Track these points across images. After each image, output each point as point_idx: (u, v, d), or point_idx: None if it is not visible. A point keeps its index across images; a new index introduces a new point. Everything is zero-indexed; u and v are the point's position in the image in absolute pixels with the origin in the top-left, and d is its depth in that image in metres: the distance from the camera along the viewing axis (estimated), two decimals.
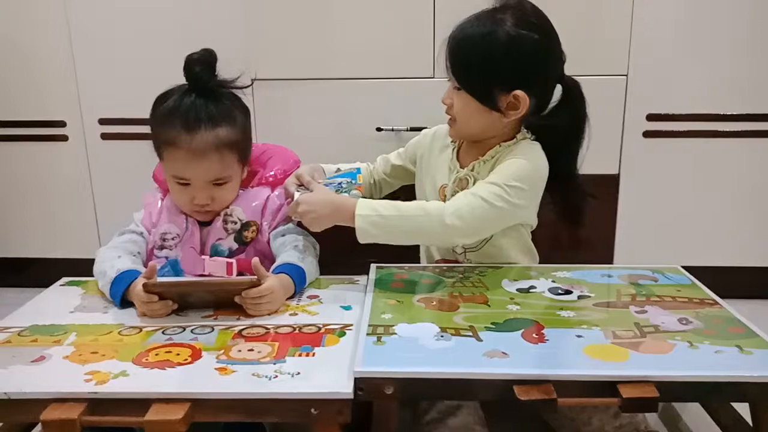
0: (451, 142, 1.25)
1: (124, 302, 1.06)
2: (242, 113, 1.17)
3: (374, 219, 1.06)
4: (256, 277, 1.01)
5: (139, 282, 1.02)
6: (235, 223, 1.17)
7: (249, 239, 1.18)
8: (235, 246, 1.17)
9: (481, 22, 1.10)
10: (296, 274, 1.09)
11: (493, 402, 0.85)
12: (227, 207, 1.17)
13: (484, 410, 1.03)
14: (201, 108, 1.11)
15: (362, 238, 1.07)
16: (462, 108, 1.14)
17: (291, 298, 1.08)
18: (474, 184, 1.16)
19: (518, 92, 1.09)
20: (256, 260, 1.03)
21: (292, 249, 1.14)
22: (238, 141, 1.14)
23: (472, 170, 1.19)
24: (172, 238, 1.17)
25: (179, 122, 1.10)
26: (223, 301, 1.04)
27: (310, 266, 1.13)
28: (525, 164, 1.11)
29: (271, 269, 1.09)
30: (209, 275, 1.09)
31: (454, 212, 1.06)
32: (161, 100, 1.15)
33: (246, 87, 1.17)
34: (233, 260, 1.08)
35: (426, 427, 1.00)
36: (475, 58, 1.10)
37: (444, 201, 1.19)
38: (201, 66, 1.11)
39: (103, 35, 1.63)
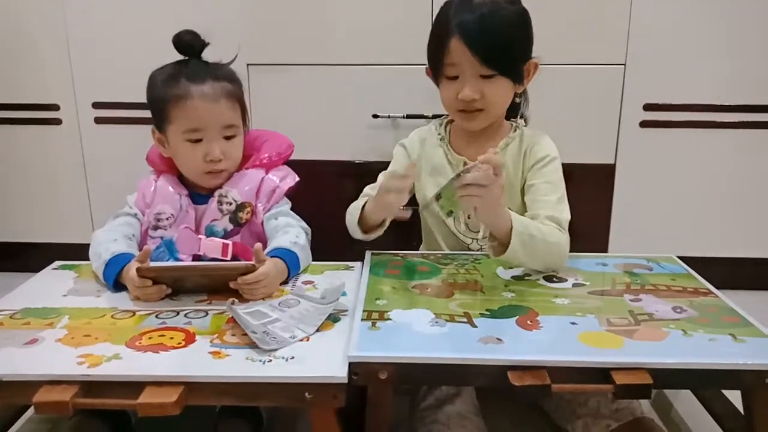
0: (440, 139, 1.26)
1: (118, 285, 1.05)
2: (239, 79, 1.20)
3: (524, 238, 1.03)
4: (251, 262, 1.01)
5: (133, 266, 1.01)
6: (230, 204, 1.16)
7: (244, 220, 1.17)
8: (230, 227, 1.17)
9: (485, 6, 1.11)
10: (289, 258, 1.09)
11: (488, 390, 0.85)
12: (222, 186, 1.17)
13: (479, 398, 1.03)
14: (204, 66, 1.16)
15: (506, 256, 1.03)
16: (497, 94, 1.15)
17: (285, 283, 1.08)
18: None
19: (534, 59, 1.17)
20: (258, 246, 1.03)
21: (284, 233, 1.14)
22: (241, 97, 1.19)
23: None
24: (167, 218, 1.16)
25: (185, 78, 1.13)
26: (217, 286, 1.03)
27: (302, 251, 1.12)
28: (558, 164, 1.20)
29: (265, 253, 1.08)
30: (204, 255, 1.09)
31: (567, 244, 1.11)
32: (157, 72, 1.16)
33: (228, 64, 1.20)
34: (229, 242, 1.08)
35: (422, 412, 1.00)
36: (504, 41, 1.12)
37: None
38: (191, 35, 1.14)
39: (98, 18, 1.62)
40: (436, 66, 1.17)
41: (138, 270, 1.00)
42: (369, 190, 1.25)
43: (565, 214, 1.14)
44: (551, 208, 1.13)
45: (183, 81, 1.12)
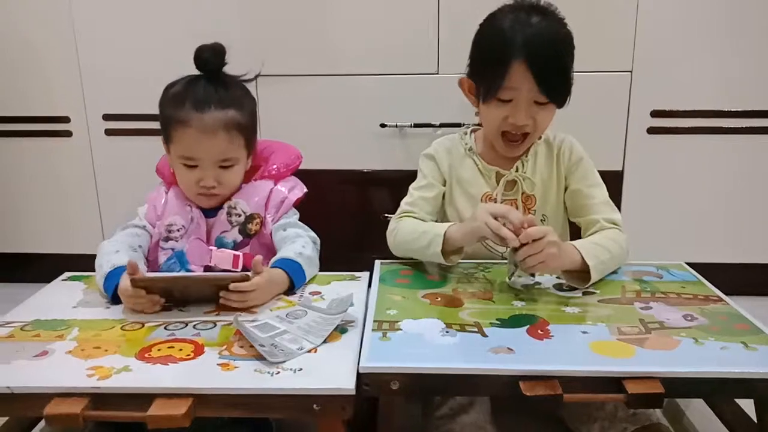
0: (468, 149, 1.24)
1: (117, 297, 1.04)
2: (250, 101, 1.18)
3: (600, 268, 1.07)
4: (245, 272, 1.01)
5: (126, 277, 1.01)
6: (240, 215, 1.17)
7: (253, 232, 1.17)
8: (239, 238, 1.17)
9: (543, 25, 1.08)
10: (292, 269, 1.08)
11: (503, 399, 0.85)
12: (230, 198, 1.17)
13: (494, 406, 1.03)
14: (211, 90, 1.13)
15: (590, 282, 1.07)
16: (546, 119, 1.15)
17: (291, 293, 1.08)
18: (522, 185, 1.20)
19: (571, 78, 1.12)
20: (258, 258, 1.03)
21: (291, 243, 1.14)
22: (246, 125, 1.15)
23: (516, 171, 1.21)
24: (178, 230, 1.17)
25: (189, 102, 1.11)
26: (214, 296, 1.02)
27: (308, 261, 1.12)
28: (591, 163, 1.23)
29: (270, 263, 1.09)
30: (215, 266, 1.08)
31: (627, 242, 1.15)
32: (171, 85, 1.16)
33: (251, 80, 1.19)
34: (240, 253, 1.07)
35: (438, 421, 1.00)
36: (565, 71, 1.10)
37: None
38: (210, 52, 1.13)
39: (108, 30, 1.63)
40: (490, 87, 1.11)
41: (132, 281, 0.99)
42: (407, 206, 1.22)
43: (618, 214, 1.18)
44: (607, 211, 1.17)
45: (187, 105, 1.11)
